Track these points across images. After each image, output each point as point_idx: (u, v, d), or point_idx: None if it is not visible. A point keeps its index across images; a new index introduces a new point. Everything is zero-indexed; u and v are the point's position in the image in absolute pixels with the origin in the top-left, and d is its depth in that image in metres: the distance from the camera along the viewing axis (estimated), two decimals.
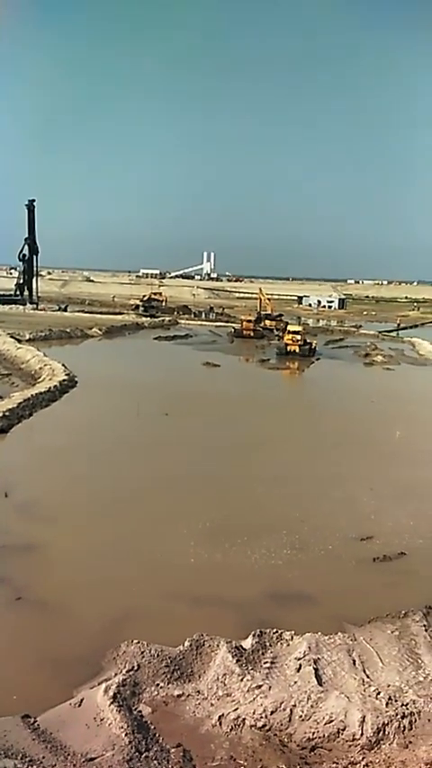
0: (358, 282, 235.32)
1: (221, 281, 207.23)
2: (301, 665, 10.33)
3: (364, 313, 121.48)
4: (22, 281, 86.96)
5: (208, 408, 32.05)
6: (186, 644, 10.89)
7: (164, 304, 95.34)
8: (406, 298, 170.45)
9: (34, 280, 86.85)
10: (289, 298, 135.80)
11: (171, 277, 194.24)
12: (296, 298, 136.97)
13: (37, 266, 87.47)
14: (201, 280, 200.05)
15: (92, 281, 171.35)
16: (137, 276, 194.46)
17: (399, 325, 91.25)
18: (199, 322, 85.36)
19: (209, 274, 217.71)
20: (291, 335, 56.70)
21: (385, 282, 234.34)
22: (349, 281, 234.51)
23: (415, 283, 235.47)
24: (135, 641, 10.86)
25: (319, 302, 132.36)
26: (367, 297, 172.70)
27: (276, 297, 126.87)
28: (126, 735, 8.80)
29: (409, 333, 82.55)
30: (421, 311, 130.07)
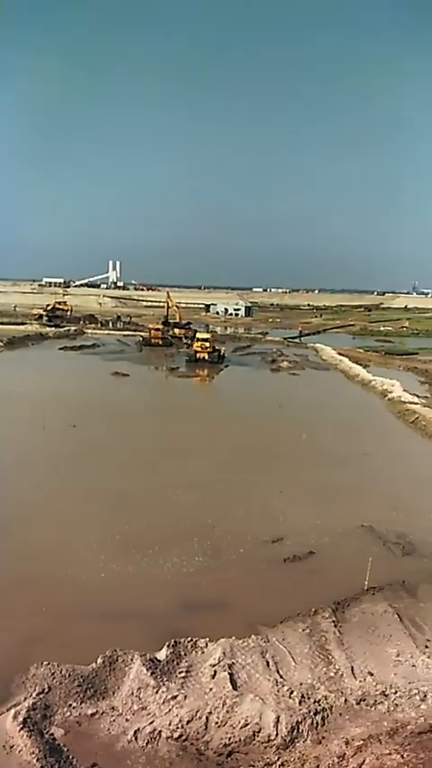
0: (266, 290, 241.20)
1: (128, 289, 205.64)
2: (216, 672, 10.36)
3: (270, 320, 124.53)
4: None
5: (116, 419, 31.62)
6: (99, 661, 10.64)
7: (69, 313, 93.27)
8: (308, 305, 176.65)
9: None
10: (197, 306, 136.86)
11: (76, 286, 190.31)
12: (204, 306, 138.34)
13: None
14: (107, 288, 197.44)
15: None
16: (39, 285, 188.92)
17: (301, 331, 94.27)
18: (106, 331, 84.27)
19: (115, 283, 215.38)
20: (200, 343, 57.24)
21: (288, 291, 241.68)
22: (255, 290, 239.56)
23: (316, 291, 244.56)
24: (45, 663, 10.48)
25: (227, 310, 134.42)
26: (272, 305, 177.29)
27: (184, 305, 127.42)
28: (38, 760, 8.47)
29: (313, 339, 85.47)
30: (323, 318, 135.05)
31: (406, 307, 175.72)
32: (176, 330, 72.74)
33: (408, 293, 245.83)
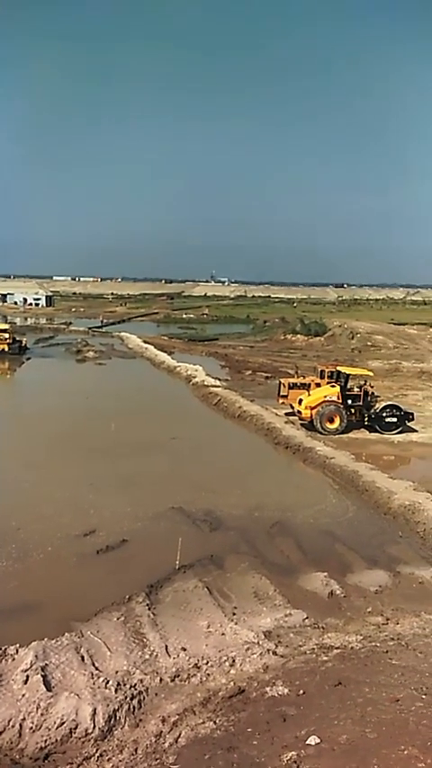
0: (75, 279, 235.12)
1: None
2: (28, 677, 9.97)
3: (73, 310, 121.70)
4: None
5: None
6: None
7: None
8: (112, 294, 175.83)
9: None
10: None
11: None
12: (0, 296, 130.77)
13: None
14: None
15: None
16: None
17: (102, 320, 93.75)
18: None
19: None
20: None
21: (99, 279, 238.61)
22: (57, 278, 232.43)
23: (119, 279, 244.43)
24: None
25: (26, 300, 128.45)
26: (75, 294, 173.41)
27: None
28: None
29: (118, 328, 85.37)
30: (128, 306, 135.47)
31: (206, 295, 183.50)
32: None
33: (206, 281, 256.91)
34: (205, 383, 40.56)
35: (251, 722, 9.03)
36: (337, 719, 8.60)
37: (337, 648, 11.14)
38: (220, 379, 42.39)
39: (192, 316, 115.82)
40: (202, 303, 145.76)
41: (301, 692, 9.63)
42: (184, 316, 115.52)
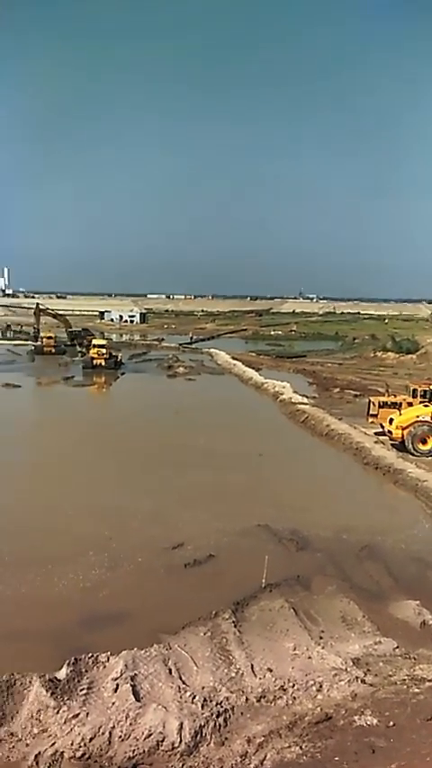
0: (169, 297, 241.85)
1: (18, 297, 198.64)
2: (118, 685, 10.25)
3: (165, 326, 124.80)
4: None
5: (3, 433, 30.43)
6: None
7: None
8: (202, 311, 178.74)
9: None
10: (91, 313, 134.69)
11: None
12: (98, 313, 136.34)
13: None
14: None
15: None
16: None
17: (192, 337, 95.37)
18: None
19: (3, 290, 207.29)
20: (96, 349, 56.60)
21: (193, 297, 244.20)
22: (150, 296, 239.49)
23: (210, 297, 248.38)
24: None
25: (122, 317, 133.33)
26: (167, 311, 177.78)
27: (78, 312, 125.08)
28: None
29: (208, 344, 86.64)
30: (217, 323, 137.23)
31: (294, 311, 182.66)
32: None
33: (294, 298, 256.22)
34: (293, 400, 40.31)
35: (338, 751, 8.83)
36: (430, 756, 8.26)
37: (429, 681, 10.69)
38: (307, 397, 42.02)
39: (280, 332, 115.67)
40: (290, 320, 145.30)
41: (392, 723, 9.32)
42: (273, 332, 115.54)
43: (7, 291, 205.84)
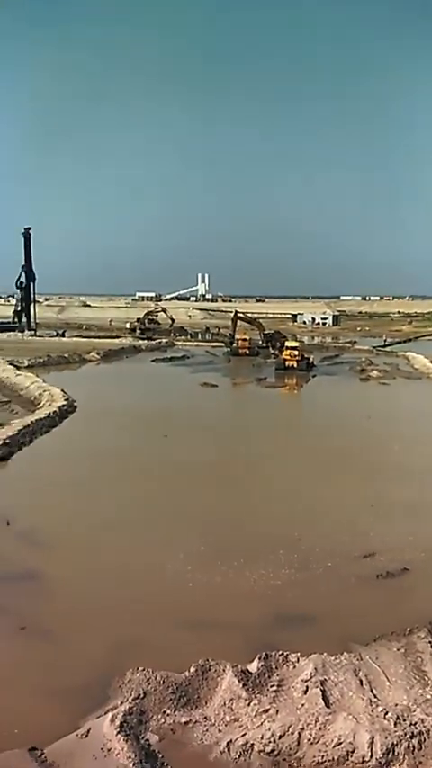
0: (365, 299, 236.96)
1: (216, 301, 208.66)
2: (308, 688, 10.26)
3: (358, 329, 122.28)
4: (19, 309, 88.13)
5: (207, 429, 32.09)
6: (192, 669, 10.81)
7: (172, 323, 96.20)
8: (398, 312, 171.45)
9: (32, 306, 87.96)
10: (283, 316, 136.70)
11: (166, 299, 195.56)
12: (291, 316, 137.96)
13: (34, 293, 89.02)
14: (196, 301, 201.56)
15: (89, 305, 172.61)
16: (133, 299, 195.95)
17: (386, 340, 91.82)
18: (195, 343, 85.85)
19: (204, 295, 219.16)
20: (289, 351, 57.46)
21: (377, 298, 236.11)
22: (343, 298, 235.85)
23: (407, 298, 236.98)
24: (140, 668, 10.77)
25: (314, 319, 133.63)
26: (360, 313, 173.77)
27: (271, 315, 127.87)
28: (134, 764, 8.73)
29: (404, 347, 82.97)
30: (414, 325, 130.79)
31: None
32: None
33: None
34: None
35: None
36: None
37: None
38: None
39: None
40: None
41: None
42: None
43: (207, 296, 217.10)
